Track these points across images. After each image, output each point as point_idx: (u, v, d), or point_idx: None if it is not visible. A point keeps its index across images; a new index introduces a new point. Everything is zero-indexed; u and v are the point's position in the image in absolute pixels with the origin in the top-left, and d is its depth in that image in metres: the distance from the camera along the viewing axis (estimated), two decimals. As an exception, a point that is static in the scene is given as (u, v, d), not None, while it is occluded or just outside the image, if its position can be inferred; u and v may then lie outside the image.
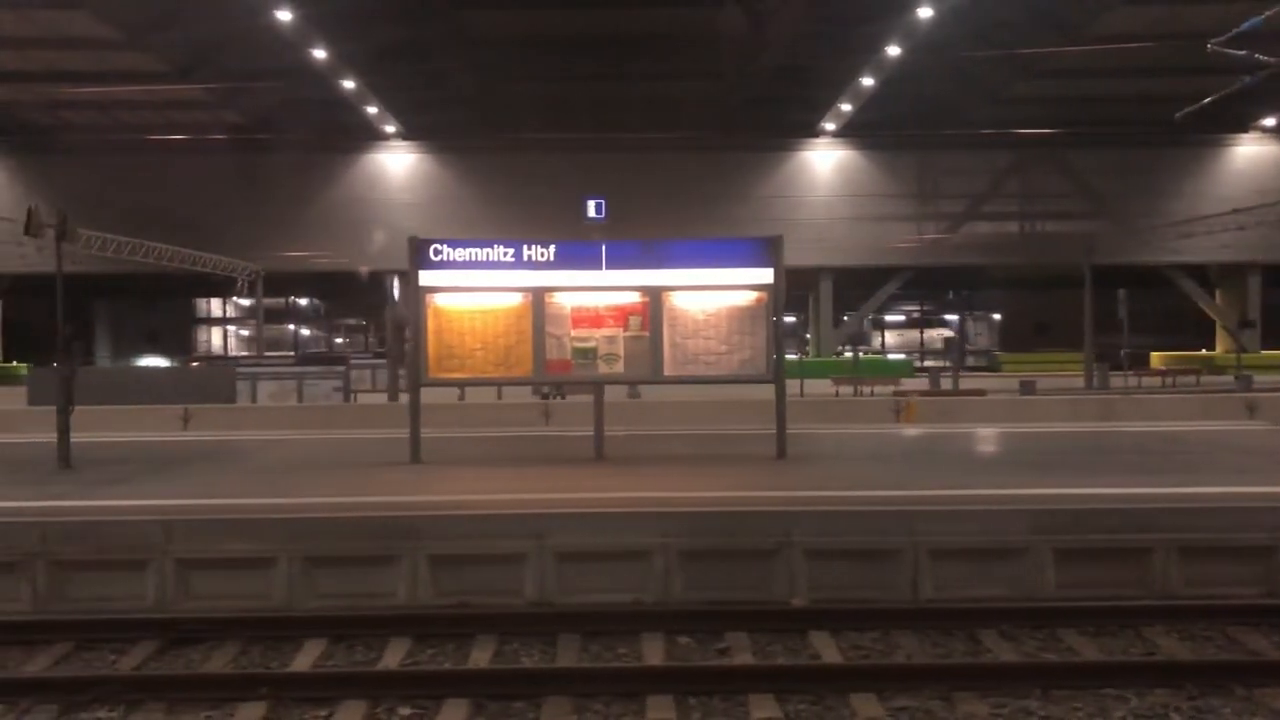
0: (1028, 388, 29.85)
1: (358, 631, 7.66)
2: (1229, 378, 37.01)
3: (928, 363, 48.51)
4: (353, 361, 29.31)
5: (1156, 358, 44.23)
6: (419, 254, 11.79)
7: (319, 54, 33.43)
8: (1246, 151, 43.72)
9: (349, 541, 8.46)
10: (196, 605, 8.32)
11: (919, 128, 41.85)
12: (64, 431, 12.04)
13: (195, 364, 58.31)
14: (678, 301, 11.73)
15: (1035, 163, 43.79)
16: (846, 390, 29.39)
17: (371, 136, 43.21)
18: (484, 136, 42.42)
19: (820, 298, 44.73)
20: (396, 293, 41.12)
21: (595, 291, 11.77)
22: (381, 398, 28.65)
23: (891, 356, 52.44)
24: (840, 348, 45.90)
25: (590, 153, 42.53)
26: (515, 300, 11.78)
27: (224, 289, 63.31)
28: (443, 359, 11.85)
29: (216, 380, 23.28)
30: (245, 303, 71.88)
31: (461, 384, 11.65)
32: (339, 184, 44.23)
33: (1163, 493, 9.02)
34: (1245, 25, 17.39)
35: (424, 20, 32.75)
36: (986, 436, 15.27)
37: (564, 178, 42.54)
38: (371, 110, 40.14)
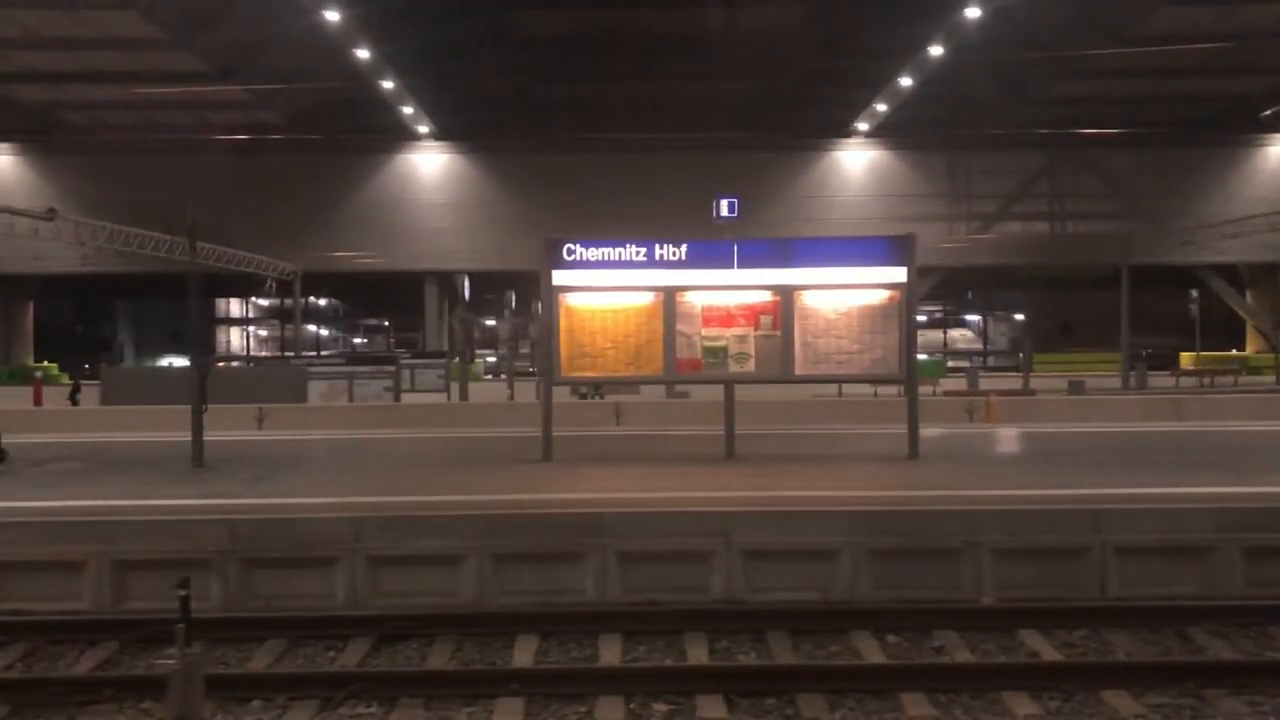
0: (1077, 387, 29.91)
1: (564, 628, 7.70)
2: (1266, 378, 37.17)
3: (951, 363, 48.56)
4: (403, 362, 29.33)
5: (1187, 358, 44.27)
6: (552, 253, 11.82)
7: (362, 54, 33.40)
8: (1278, 152, 43.79)
9: (538, 538, 8.50)
10: (386, 603, 8.36)
11: (952, 127, 41.88)
12: (199, 431, 12.06)
13: (220, 363, 58.31)
14: (809, 300, 11.77)
15: (1067, 163, 43.79)
16: (886, 390, 29.30)
17: (405, 137, 43.17)
18: (517, 136, 42.42)
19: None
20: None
21: (726, 290, 11.80)
22: (438, 398, 28.77)
23: (919, 357, 52.40)
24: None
25: (623, 153, 42.58)
26: (646, 299, 11.82)
27: (248, 289, 63.46)
28: (574, 358, 11.89)
29: (288, 380, 23.29)
30: (263, 303, 72.01)
31: (593, 383, 11.70)
32: (371, 185, 44.17)
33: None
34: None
35: (468, 20, 32.77)
36: (1093, 436, 15.28)
37: (596, 177, 42.67)
38: (407, 110, 40.11)
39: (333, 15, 30.33)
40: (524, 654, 7.33)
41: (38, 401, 27.78)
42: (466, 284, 27.31)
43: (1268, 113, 23.42)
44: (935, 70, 34.72)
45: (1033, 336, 55.96)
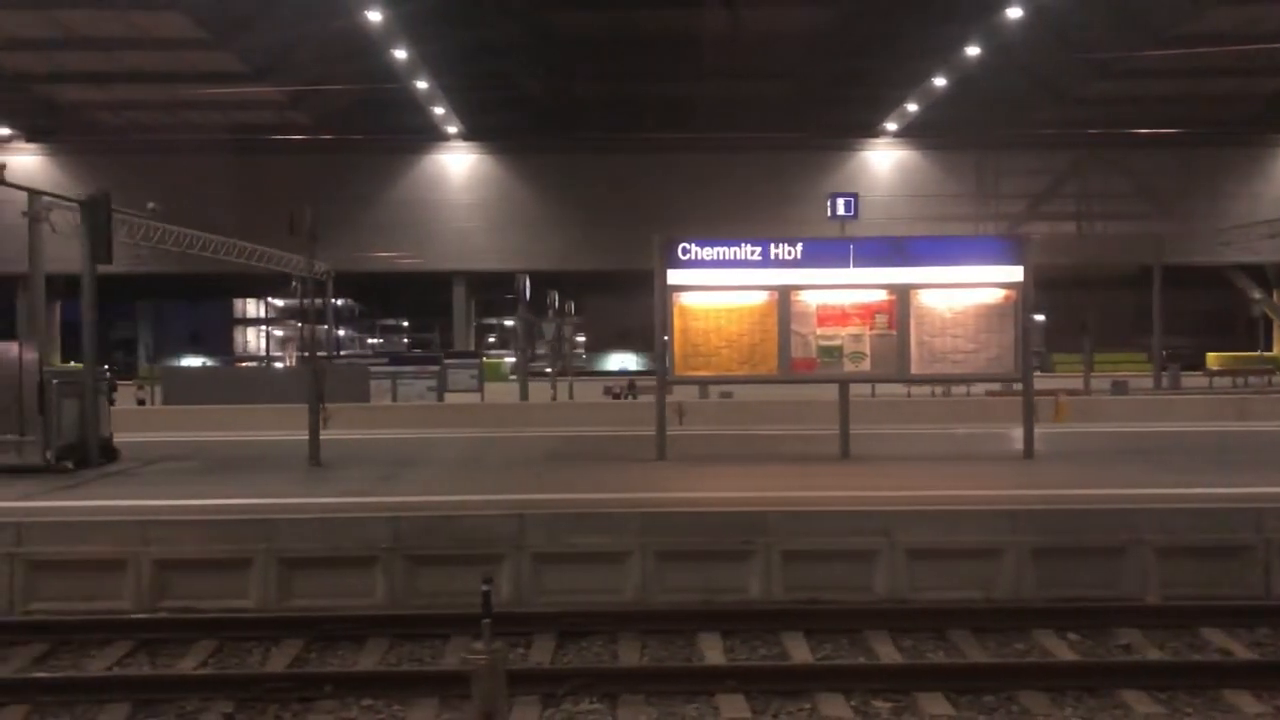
0: (1120, 388, 29.98)
1: (742, 627, 7.73)
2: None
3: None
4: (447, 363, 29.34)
5: (1213, 358, 44.36)
6: (667, 252, 11.85)
7: (399, 54, 33.43)
8: (1308, 152, 43.93)
9: (701, 536, 8.52)
10: (550, 600, 8.39)
11: (980, 127, 41.90)
12: (315, 430, 12.09)
13: (241, 363, 58.33)
14: (925, 299, 11.79)
15: (1094, 163, 43.82)
16: (918, 390, 29.18)
17: (434, 138, 43.20)
18: (547, 137, 42.45)
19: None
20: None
21: (842, 289, 11.82)
22: (472, 397, 28.73)
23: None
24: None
25: (653, 153, 42.66)
26: (761, 298, 11.84)
27: (264, 290, 63.39)
28: (688, 357, 11.92)
29: (351, 380, 23.30)
30: (278, 303, 72.03)
31: (707, 382, 11.74)
32: (399, 185, 44.19)
33: None
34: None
35: (507, 19, 32.79)
36: (1177, 435, 15.29)
37: (625, 178, 42.73)
38: (439, 111, 40.14)
39: (375, 15, 30.37)
40: (713, 651, 7.36)
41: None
42: (527, 284, 27.27)
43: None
44: (969, 70, 34.80)
45: (1052, 335, 56.15)
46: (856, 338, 11.82)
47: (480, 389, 30.18)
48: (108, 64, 34.34)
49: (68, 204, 14.76)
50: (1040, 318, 59.00)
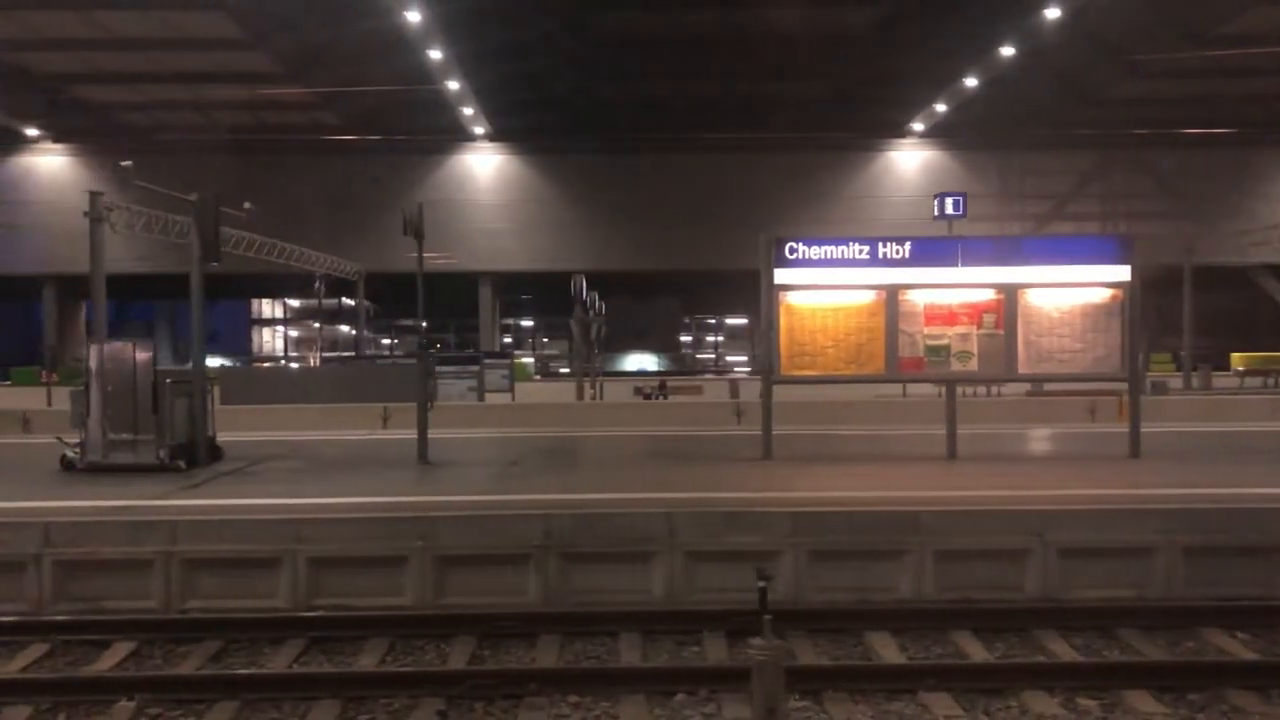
0: (1159, 388, 30.04)
1: (915, 625, 7.76)
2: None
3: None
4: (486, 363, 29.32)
5: (1238, 358, 44.38)
6: (774, 251, 11.88)
7: (435, 54, 33.44)
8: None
9: (853, 535, 8.55)
10: (702, 598, 8.42)
11: (1007, 128, 41.98)
12: (424, 428, 12.12)
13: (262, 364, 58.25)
14: (1032, 299, 11.82)
15: (1120, 163, 43.92)
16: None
17: (462, 138, 43.23)
18: (574, 138, 42.48)
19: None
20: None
21: (950, 289, 11.85)
22: (503, 397, 28.70)
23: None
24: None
25: (680, 153, 42.73)
26: (868, 298, 11.87)
27: (280, 290, 63.33)
28: (794, 356, 11.94)
29: (410, 379, 23.16)
30: (294, 304, 71.98)
31: (813, 381, 11.79)
32: (426, 185, 44.12)
33: None
34: None
35: (543, 20, 32.81)
36: (1258, 434, 15.34)
37: (652, 178, 42.80)
38: (468, 111, 40.17)
39: (414, 16, 30.39)
40: (888, 649, 7.39)
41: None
42: (584, 284, 27.32)
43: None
44: (1001, 70, 34.84)
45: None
46: (964, 337, 11.85)
47: (511, 389, 30.20)
48: (143, 65, 34.36)
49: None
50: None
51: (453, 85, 36.70)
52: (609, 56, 35.78)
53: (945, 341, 11.86)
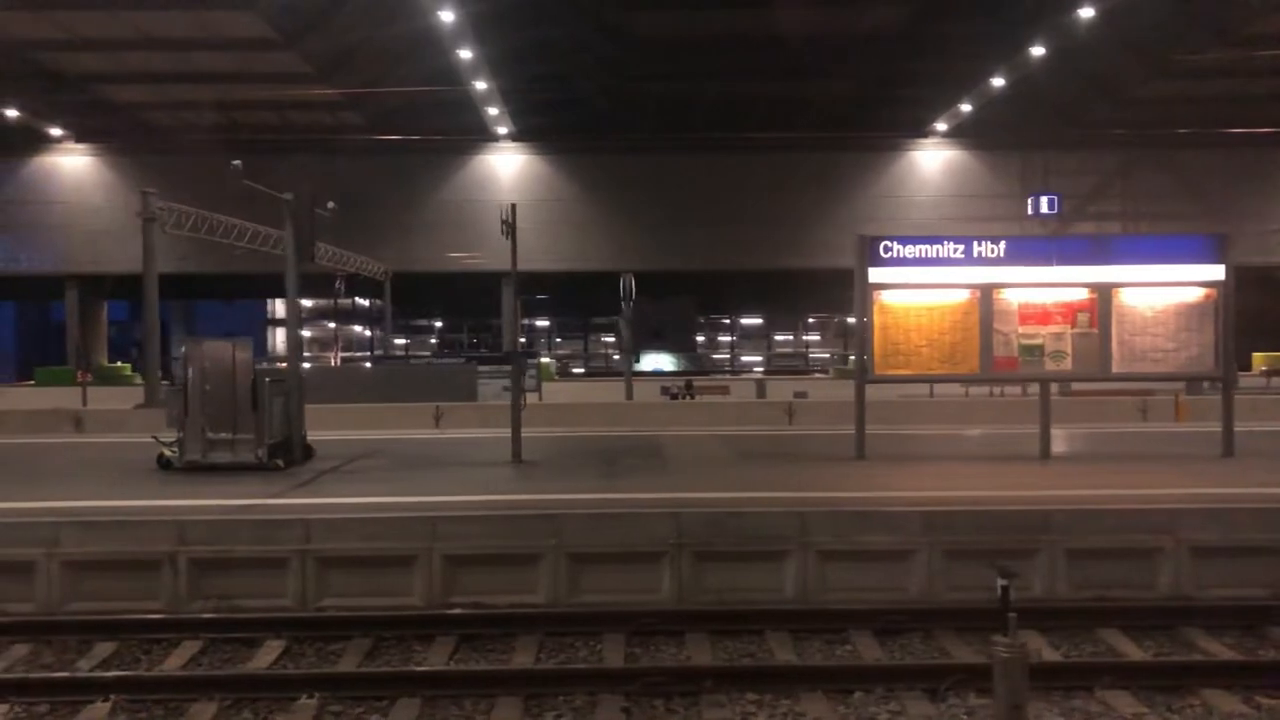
0: (1195, 388, 29.98)
1: (1059, 624, 7.76)
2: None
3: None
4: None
5: (1260, 358, 44.44)
6: (868, 251, 11.90)
7: (465, 55, 33.37)
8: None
9: (984, 535, 8.56)
10: (833, 597, 8.43)
11: (1030, 127, 41.96)
12: (518, 426, 12.12)
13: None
14: (1125, 298, 11.85)
15: (1142, 163, 43.88)
16: (978, 390, 29.10)
17: (485, 138, 43.16)
18: (596, 137, 42.43)
19: (930, 298, 44.75)
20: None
21: (1043, 288, 11.87)
22: (530, 397, 28.59)
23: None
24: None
25: (703, 153, 42.67)
26: (962, 297, 11.89)
27: (304, 290, 63.13)
28: (888, 356, 11.96)
29: (460, 379, 23.29)
30: (308, 304, 71.77)
31: (907, 380, 11.84)
32: (448, 185, 44.15)
33: None
34: None
35: (575, 20, 32.77)
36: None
37: (674, 178, 42.74)
38: (492, 111, 40.10)
39: (447, 16, 30.34)
40: (1037, 646, 7.39)
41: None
42: (632, 283, 27.32)
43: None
44: (1028, 70, 34.82)
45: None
46: (1058, 336, 11.88)
47: (539, 388, 30.20)
48: (172, 65, 34.23)
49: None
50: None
51: (480, 85, 36.65)
52: (638, 57, 35.74)
53: (1039, 341, 11.89)
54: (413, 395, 21.40)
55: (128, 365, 45.77)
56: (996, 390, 26.93)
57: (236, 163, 12.41)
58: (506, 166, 44.93)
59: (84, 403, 25.66)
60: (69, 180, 43.09)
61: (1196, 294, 11.85)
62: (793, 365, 59.49)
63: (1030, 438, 13.03)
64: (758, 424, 19.94)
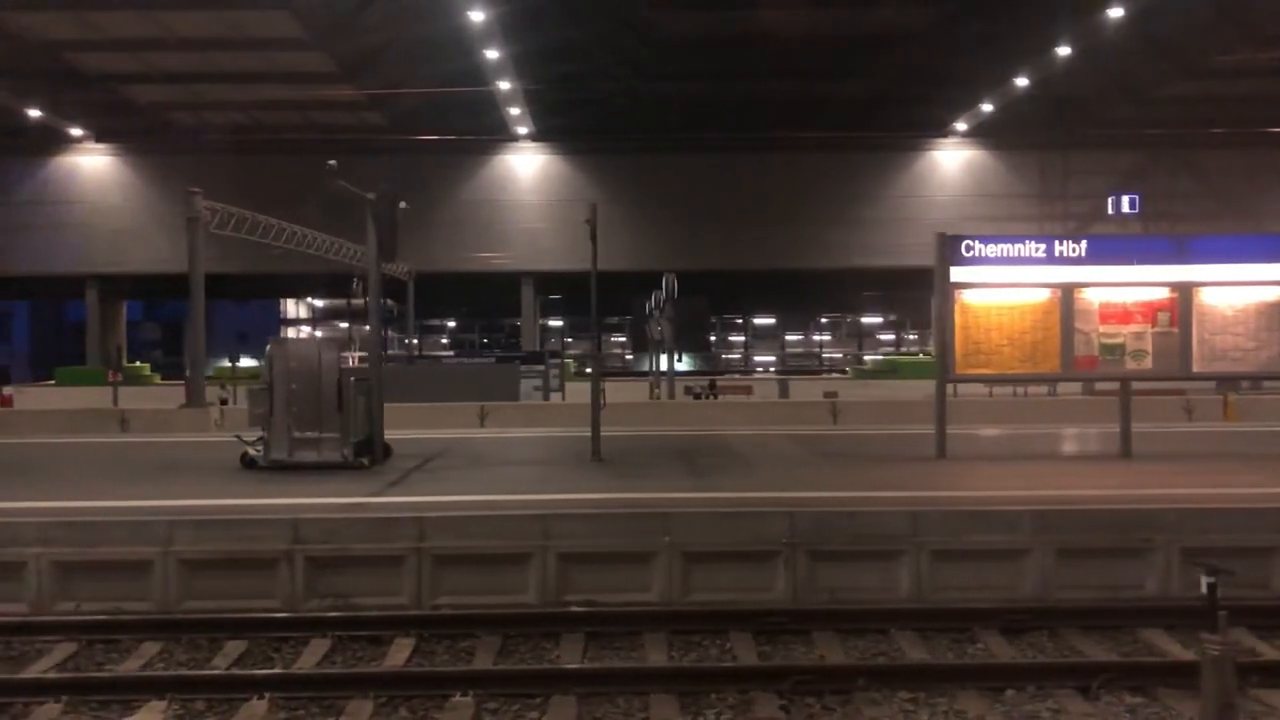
0: (1235, 386, 29.99)
1: (1182, 622, 7.76)
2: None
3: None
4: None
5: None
6: (950, 250, 11.90)
7: (491, 55, 33.35)
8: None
9: (1097, 534, 8.57)
10: (946, 596, 8.43)
11: (1052, 127, 41.98)
12: (598, 427, 12.11)
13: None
14: (1206, 298, 11.85)
15: (1163, 163, 43.87)
16: (1001, 390, 29.04)
17: (505, 138, 43.15)
18: (617, 136, 42.41)
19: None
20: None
21: (1124, 287, 11.88)
22: (553, 397, 28.65)
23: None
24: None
25: (724, 152, 42.69)
26: (1043, 296, 11.90)
27: (305, 290, 63.13)
28: (969, 355, 11.96)
29: (503, 379, 23.30)
30: (319, 304, 71.83)
31: (988, 380, 11.87)
32: (468, 185, 44.15)
33: None
34: None
35: (604, 20, 32.76)
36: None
37: (694, 178, 42.72)
38: (514, 111, 40.08)
39: (477, 15, 30.32)
40: (1172, 647, 7.40)
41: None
42: (675, 283, 27.35)
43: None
44: (1053, 70, 34.83)
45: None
46: (1139, 335, 11.89)
47: (562, 388, 30.24)
48: (197, 64, 34.18)
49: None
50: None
51: (503, 85, 36.64)
52: (663, 56, 35.73)
53: (1120, 340, 11.90)
54: (455, 395, 21.38)
55: (146, 365, 45.74)
56: (1020, 390, 26.96)
57: (332, 163, 12.35)
58: (526, 166, 44.93)
59: (115, 402, 25.66)
60: (89, 180, 43.04)
61: (1277, 293, 11.84)
62: (806, 365, 59.55)
63: (1090, 437, 13.07)
64: (804, 424, 19.92)
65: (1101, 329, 11.88)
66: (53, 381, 40.75)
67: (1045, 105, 39.59)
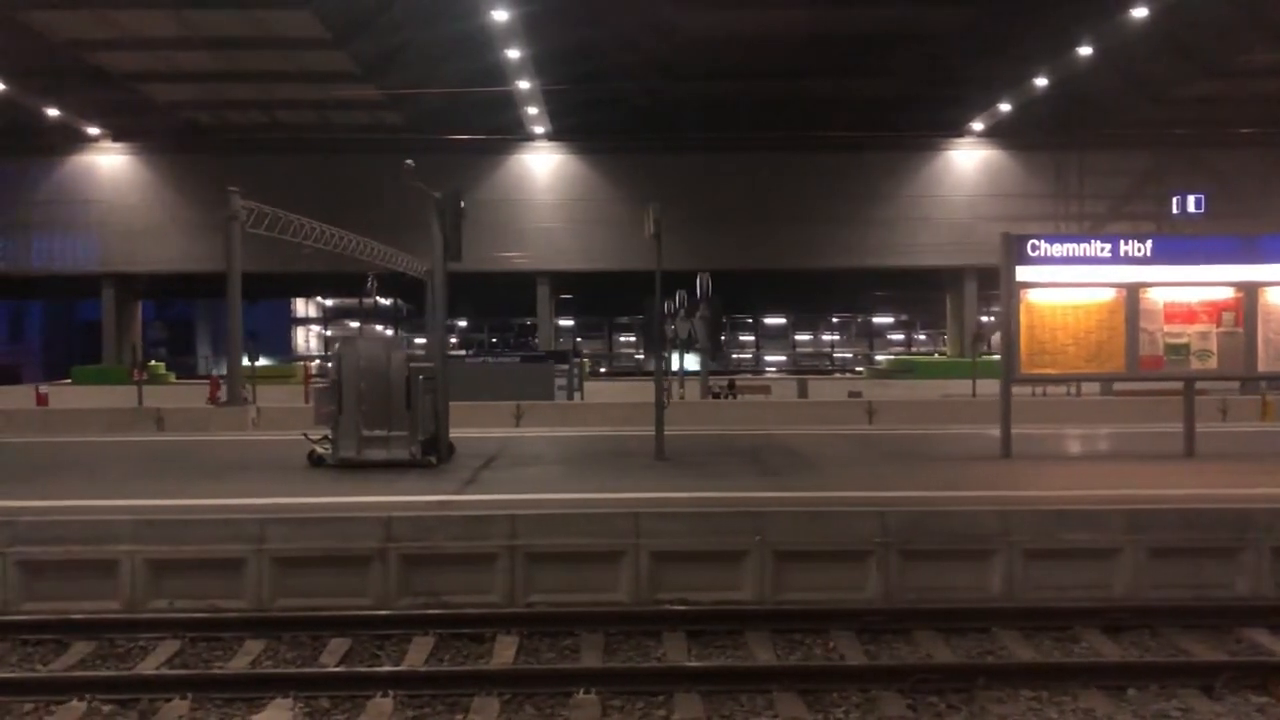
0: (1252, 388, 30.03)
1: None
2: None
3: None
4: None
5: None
6: (1015, 250, 11.90)
7: (512, 54, 33.34)
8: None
9: (1188, 533, 8.57)
10: (1039, 595, 8.43)
11: (1068, 127, 42.03)
12: (661, 426, 12.10)
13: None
14: (1272, 297, 11.86)
15: (1179, 163, 43.89)
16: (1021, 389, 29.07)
17: (522, 138, 43.16)
18: (633, 136, 42.41)
19: (965, 298, 44.87)
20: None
21: (1189, 287, 11.88)
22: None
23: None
24: (984, 348, 46.02)
25: (739, 152, 42.73)
26: (1108, 295, 11.89)
27: (314, 290, 63.16)
28: (1034, 355, 11.95)
29: (537, 377, 23.30)
30: (328, 304, 71.85)
31: (1053, 380, 11.88)
32: (485, 185, 44.08)
33: None
34: None
35: (626, 20, 32.77)
36: None
37: (709, 177, 42.73)
38: (531, 111, 40.09)
39: (499, 15, 30.31)
40: (1276, 645, 7.40)
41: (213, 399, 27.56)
42: (710, 283, 27.37)
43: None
44: (1073, 70, 34.85)
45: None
46: (1204, 335, 11.89)
47: (580, 388, 30.21)
48: (217, 63, 34.19)
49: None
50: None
51: (522, 85, 36.63)
52: (684, 55, 35.75)
53: (1185, 340, 11.90)
54: (492, 393, 21.34)
55: (161, 364, 45.71)
56: (1039, 390, 26.97)
57: (409, 162, 12.34)
58: (542, 166, 44.96)
59: (140, 401, 25.62)
60: (106, 179, 43.02)
61: (1342, 293, 11.84)
62: (816, 365, 59.60)
63: (1143, 436, 13.05)
64: (839, 423, 19.92)
65: (1166, 329, 11.88)
66: (69, 381, 40.70)
67: (1063, 105, 39.65)
